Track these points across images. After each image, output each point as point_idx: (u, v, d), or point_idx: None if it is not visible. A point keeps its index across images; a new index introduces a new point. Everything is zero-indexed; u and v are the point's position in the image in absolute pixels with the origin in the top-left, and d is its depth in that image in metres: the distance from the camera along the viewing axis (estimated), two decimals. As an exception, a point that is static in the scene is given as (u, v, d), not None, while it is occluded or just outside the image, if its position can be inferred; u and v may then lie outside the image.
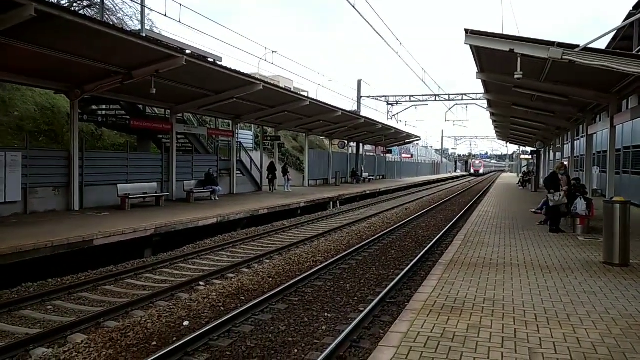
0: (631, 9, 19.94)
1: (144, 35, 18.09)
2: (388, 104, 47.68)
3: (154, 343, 6.05)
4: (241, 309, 7.07)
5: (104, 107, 20.83)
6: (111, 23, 22.39)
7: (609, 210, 8.11)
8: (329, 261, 10.48)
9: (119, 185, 16.04)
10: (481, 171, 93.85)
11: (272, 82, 25.51)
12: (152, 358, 5.34)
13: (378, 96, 47.06)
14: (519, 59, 11.64)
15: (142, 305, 7.71)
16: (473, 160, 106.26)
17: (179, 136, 21.49)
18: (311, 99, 23.97)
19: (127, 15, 29.86)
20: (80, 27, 10.56)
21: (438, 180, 58.91)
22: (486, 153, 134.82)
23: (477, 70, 16.35)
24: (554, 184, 11.99)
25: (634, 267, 7.80)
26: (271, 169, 26.39)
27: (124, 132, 21.81)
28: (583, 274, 7.36)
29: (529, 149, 47.60)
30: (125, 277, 9.59)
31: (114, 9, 29.00)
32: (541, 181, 33.88)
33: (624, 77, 12.55)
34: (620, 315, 5.42)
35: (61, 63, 12.58)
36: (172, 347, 5.64)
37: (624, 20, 18.64)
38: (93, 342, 5.95)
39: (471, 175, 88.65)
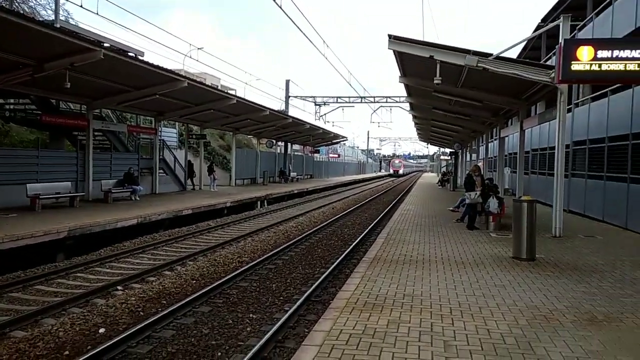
0: (539, 21, 21.55)
1: (58, 26, 16.97)
2: (316, 105, 48.06)
3: (67, 353, 5.71)
4: (162, 314, 6.84)
5: (12, 101, 19.34)
6: (21, 12, 20.82)
7: (518, 208, 8.70)
8: (255, 261, 10.41)
9: (28, 185, 14.94)
10: (401, 171, 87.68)
11: (198, 79, 24.91)
12: (64, 369, 5.04)
13: (306, 96, 47.30)
14: (438, 65, 12.22)
15: (53, 313, 7.22)
16: (392, 160, 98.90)
17: (96, 133, 20.41)
18: (238, 97, 23.65)
19: (39, 5, 27.92)
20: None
21: (364, 180, 60.32)
22: (409, 154, 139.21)
23: (399, 75, 16.94)
24: (469, 185, 12.71)
25: (539, 262, 8.42)
26: (190, 169, 26.67)
27: (35, 129, 20.40)
28: (494, 269, 7.84)
29: (448, 150, 49.97)
30: (35, 283, 8.94)
31: (25, -3, 27.02)
32: (459, 181, 35.82)
33: (533, 84, 13.52)
34: (527, 306, 5.83)
35: (-39, 52, 11.52)
36: (86, 356, 5.35)
37: (533, 32, 20.12)
38: (-4, 354, 5.51)
39: (391, 176, 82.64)
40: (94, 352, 5.46)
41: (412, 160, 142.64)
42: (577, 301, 6.05)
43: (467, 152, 38.09)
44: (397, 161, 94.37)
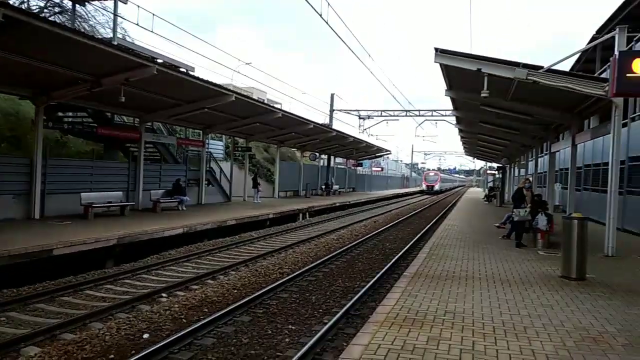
0: (594, 32, 20.80)
1: (116, 43, 17.83)
2: (360, 118, 48.03)
3: (112, 356, 5.89)
4: (203, 321, 6.97)
5: (70, 114, 20.36)
6: (82, 30, 22.02)
7: (568, 226, 8.37)
8: (296, 273, 10.45)
9: (82, 194, 15.65)
10: (437, 187, 69.60)
11: (245, 93, 25.48)
12: (108, 371, 5.21)
13: (350, 110, 47.38)
14: (485, 78, 12.00)
15: (100, 317, 7.50)
16: (426, 172, 79.78)
17: (147, 145, 21.16)
18: (284, 111, 24.01)
19: (99, 23, 29.31)
20: (49, 34, 10.33)
21: (407, 194, 59.59)
22: (454, 168, 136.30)
23: (446, 88, 16.74)
24: (518, 199, 12.28)
25: (589, 282, 8.04)
26: (255, 181, 27.25)
27: (91, 140, 21.34)
28: (541, 288, 7.55)
29: (495, 165, 48.71)
30: (85, 288, 9.33)
31: (86, 16, 28.47)
32: (506, 196, 34.80)
33: (586, 98, 13.04)
34: (575, 327, 5.57)
35: (28, 69, 12.27)
36: (130, 360, 5.51)
37: (588, 43, 19.44)
38: (47, 355, 5.77)
39: (423, 193, 66.74)
40: (138, 356, 5.62)
41: (456, 175, 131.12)
42: (629, 324, 5.73)
43: (516, 167, 37.01)
44: (432, 174, 75.67)
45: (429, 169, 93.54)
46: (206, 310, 7.93)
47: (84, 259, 10.89)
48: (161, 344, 6.03)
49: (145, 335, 6.61)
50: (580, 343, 5.05)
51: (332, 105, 45.44)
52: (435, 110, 44.52)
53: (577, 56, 21.53)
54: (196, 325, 6.78)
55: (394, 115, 46.05)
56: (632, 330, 5.49)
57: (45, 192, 15.12)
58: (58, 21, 21.60)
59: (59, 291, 8.90)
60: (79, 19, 27.33)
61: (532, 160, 30.54)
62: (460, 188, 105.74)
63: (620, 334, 5.35)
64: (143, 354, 5.70)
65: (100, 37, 21.61)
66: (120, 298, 8.66)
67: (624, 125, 15.75)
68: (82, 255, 10.83)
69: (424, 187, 70.24)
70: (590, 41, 19.71)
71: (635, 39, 16.26)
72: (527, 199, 12.22)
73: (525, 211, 11.97)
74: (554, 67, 11.30)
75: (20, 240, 10.34)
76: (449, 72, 14.51)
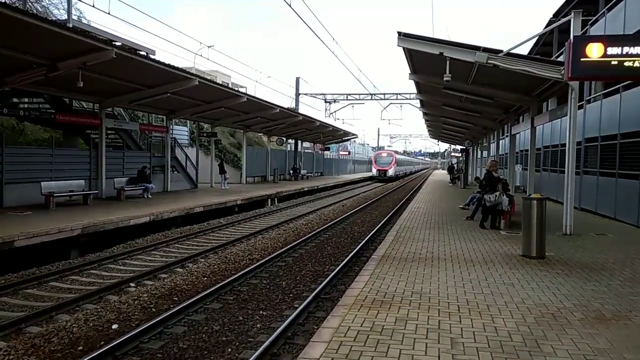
0: (551, 16, 21.34)
1: (71, 25, 17.18)
2: (326, 102, 48.18)
3: (80, 348, 5.83)
4: (174, 310, 6.96)
5: (26, 99, 19.63)
6: (34, 11, 21.10)
7: (527, 206, 8.67)
8: (266, 259, 10.50)
9: (42, 183, 15.18)
10: (391, 172, 51.66)
11: (209, 78, 25.06)
12: (78, 363, 5.16)
13: (316, 94, 47.41)
14: (447, 62, 12.19)
15: (67, 309, 7.38)
16: (377, 153, 60.61)
17: (108, 131, 20.66)
18: (249, 95, 23.76)
19: (52, 4, 28.27)
20: (-1, 15, 9.89)
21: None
22: (420, 151, 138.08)
23: (409, 72, 16.92)
24: (492, 183, 12.00)
25: (549, 260, 8.40)
26: (221, 167, 27.04)
27: (49, 127, 20.69)
28: (503, 267, 7.84)
29: (459, 147, 49.71)
30: (50, 279, 9.13)
31: (38, -4, 27.35)
32: (470, 178, 35.63)
33: (544, 81, 13.43)
34: (535, 304, 5.84)
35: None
36: (100, 351, 5.47)
37: (545, 27, 19.95)
38: (13, 349, 5.66)
39: (374, 180, 51.19)
40: (107, 347, 5.59)
41: (420, 157, 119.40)
42: (586, 299, 6.05)
43: (478, 149, 37.91)
44: (384, 154, 56.13)
45: (380, 148, 75.61)
46: (176, 298, 7.90)
47: (47, 250, 10.63)
48: (131, 334, 6.01)
49: (115, 326, 6.56)
50: (540, 319, 5.30)
51: (297, 89, 45.28)
52: (400, 94, 45.05)
53: (534, 40, 22.10)
54: (166, 314, 6.77)
55: (359, 99, 46.41)
56: (588, 306, 5.79)
57: (3, 181, 14.61)
58: (7, 1, 20.63)
59: (22, 283, 8.68)
60: (31, 0, 26.19)
61: (493, 143, 31.35)
62: (425, 171, 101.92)
63: (577, 309, 5.64)
64: (113, 344, 5.66)
65: (54, 18, 20.80)
66: (86, 289, 8.52)
67: (580, 107, 16.37)
68: (45, 246, 10.57)
69: (374, 172, 52.88)
70: (548, 25, 20.25)
71: (590, 22, 16.79)
72: (500, 184, 11.94)
73: (496, 196, 11.73)
74: (513, 51, 11.58)
75: (-22, 232, 9.99)
76: (412, 56, 14.65)
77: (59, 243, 10.96)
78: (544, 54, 20.75)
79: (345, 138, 53.59)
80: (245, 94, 23.87)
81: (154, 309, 7.33)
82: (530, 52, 24.22)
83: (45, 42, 12.06)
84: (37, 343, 5.85)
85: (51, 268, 9.95)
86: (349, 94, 46.82)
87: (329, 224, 16.09)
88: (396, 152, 65.17)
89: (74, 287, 8.77)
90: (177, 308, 7.05)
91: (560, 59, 16.60)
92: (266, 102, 25.30)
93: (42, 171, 16.06)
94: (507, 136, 26.31)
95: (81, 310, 7.36)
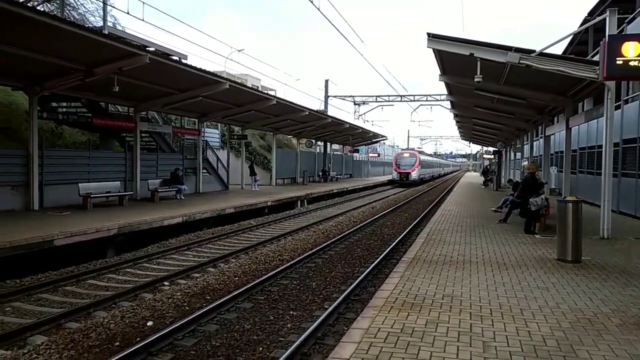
0: (586, 15, 20.80)
1: (106, 32, 17.72)
2: (355, 104, 48.16)
3: (117, 343, 6.01)
4: (206, 309, 7.09)
5: (64, 104, 20.31)
6: (72, 19, 21.83)
7: (562, 209, 8.48)
8: (296, 260, 10.57)
9: (80, 184, 15.70)
10: (414, 175, 45.64)
11: (239, 81, 25.41)
12: (115, 358, 5.32)
13: (345, 96, 47.46)
14: (478, 63, 12.02)
15: (104, 306, 7.63)
16: (398, 153, 54.47)
17: (143, 134, 21.16)
18: (278, 98, 23.98)
19: (88, 12, 29.14)
20: (39, 24, 10.30)
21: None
22: (451, 152, 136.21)
23: (439, 73, 16.76)
24: (534, 187, 11.66)
25: (585, 264, 8.19)
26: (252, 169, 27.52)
27: (86, 130, 21.30)
28: (537, 271, 7.69)
29: (491, 149, 48.83)
30: (87, 277, 9.44)
31: (75, 5, 28.25)
32: (502, 180, 34.94)
33: (579, 81, 13.10)
34: (570, 309, 5.71)
35: (19, 59, 12.23)
36: (135, 347, 5.62)
37: (580, 26, 19.45)
38: (54, 343, 5.87)
39: (395, 183, 45.61)
40: (142, 343, 5.74)
41: (451, 159, 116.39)
42: (624, 305, 5.87)
43: (511, 151, 37.18)
44: (406, 155, 49.71)
45: (403, 149, 67.89)
46: (208, 297, 8.05)
47: (85, 248, 10.98)
48: (166, 330, 6.15)
49: (150, 323, 6.73)
50: (575, 324, 5.18)
51: (326, 91, 45.44)
52: (430, 95, 44.66)
53: (569, 39, 21.56)
54: (199, 312, 6.90)
55: (389, 101, 46.14)
56: (626, 311, 5.63)
57: (43, 183, 15.16)
58: (46, 10, 21.41)
59: (61, 281, 9.00)
60: (68, 8, 27.09)
61: (527, 144, 30.73)
62: (455, 173, 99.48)
63: (615, 315, 5.49)
64: (148, 341, 5.81)
65: (90, 25, 21.47)
66: (123, 287, 8.78)
67: (618, 107, 15.88)
68: (83, 245, 10.93)
69: (394, 175, 46.89)
70: (583, 23, 19.72)
71: (626, 20, 16.29)
72: (541, 186, 11.53)
73: (542, 199, 11.34)
74: (546, 51, 11.34)
75: (22, 231, 10.41)
76: (442, 57, 14.51)
77: (96, 242, 11.31)
78: (579, 54, 20.24)
79: (375, 140, 53.41)
80: (275, 96, 24.10)
81: (187, 307, 7.48)
82: (565, 52, 23.66)
83: (82, 49, 12.50)
84: (76, 338, 6.06)
85: (89, 266, 10.29)
86: (378, 96, 46.69)
87: (358, 226, 16.08)
88: (421, 152, 60.96)
89: (110, 285, 9.04)
90: (209, 307, 7.18)
91: (596, 58, 16.18)
92: (295, 104, 25.47)
93: (79, 173, 16.61)
94: (541, 137, 25.72)
95: (117, 307, 7.59)
